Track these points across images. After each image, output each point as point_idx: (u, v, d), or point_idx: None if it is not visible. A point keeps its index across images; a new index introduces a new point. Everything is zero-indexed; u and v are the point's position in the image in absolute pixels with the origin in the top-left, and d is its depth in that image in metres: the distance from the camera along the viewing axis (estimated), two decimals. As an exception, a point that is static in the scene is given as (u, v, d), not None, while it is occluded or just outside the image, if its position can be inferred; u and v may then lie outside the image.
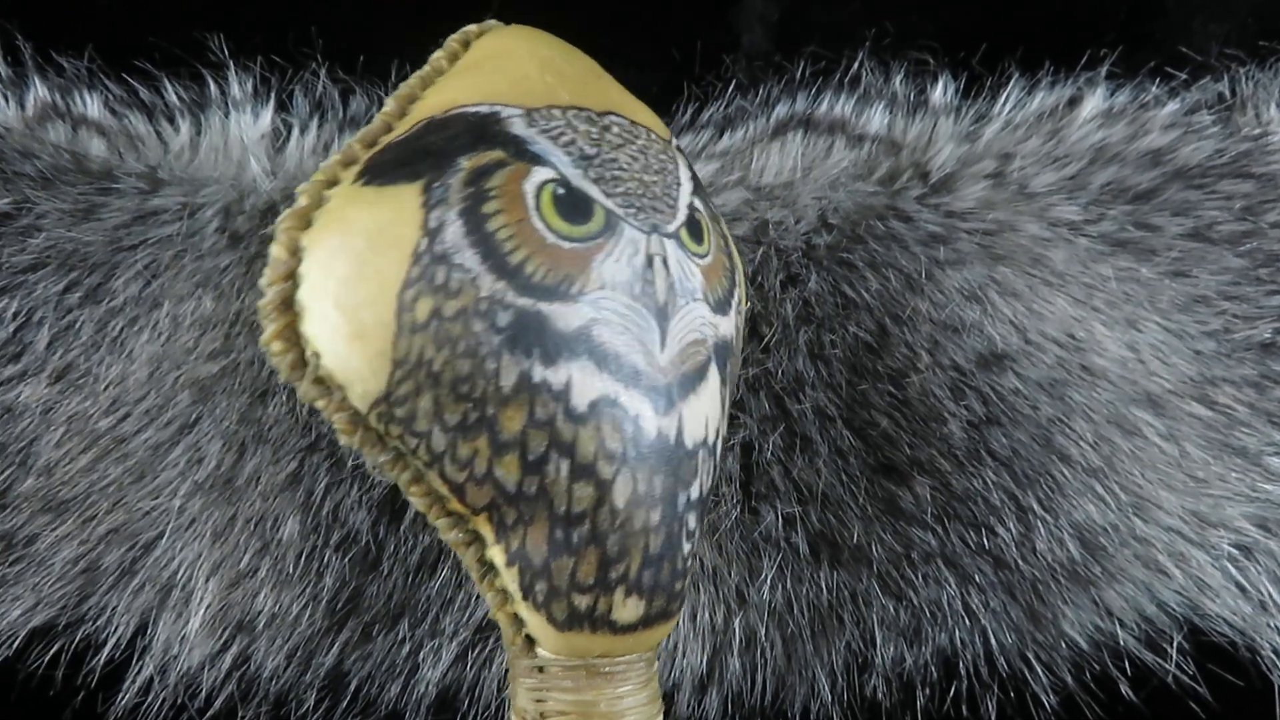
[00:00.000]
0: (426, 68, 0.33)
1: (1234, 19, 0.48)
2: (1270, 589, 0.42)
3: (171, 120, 0.44)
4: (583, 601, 0.30)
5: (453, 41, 0.34)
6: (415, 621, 0.41)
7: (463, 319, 0.28)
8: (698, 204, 0.33)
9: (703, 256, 0.32)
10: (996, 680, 0.42)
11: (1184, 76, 0.45)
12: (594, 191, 0.31)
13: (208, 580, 0.41)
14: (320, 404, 0.29)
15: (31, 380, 0.41)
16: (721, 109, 0.45)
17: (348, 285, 0.28)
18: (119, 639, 0.42)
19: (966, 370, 0.41)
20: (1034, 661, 0.42)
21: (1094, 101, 0.45)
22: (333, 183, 0.30)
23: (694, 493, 0.31)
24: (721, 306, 0.33)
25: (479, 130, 0.30)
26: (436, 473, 0.29)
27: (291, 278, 0.28)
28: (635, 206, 0.31)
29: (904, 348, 0.41)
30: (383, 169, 0.30)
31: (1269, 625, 0.43)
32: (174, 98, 0.44)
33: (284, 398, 0.40)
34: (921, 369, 0.41)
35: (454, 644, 0.41)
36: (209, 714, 0.42)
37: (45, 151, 0.42)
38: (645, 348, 0.30)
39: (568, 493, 0.29)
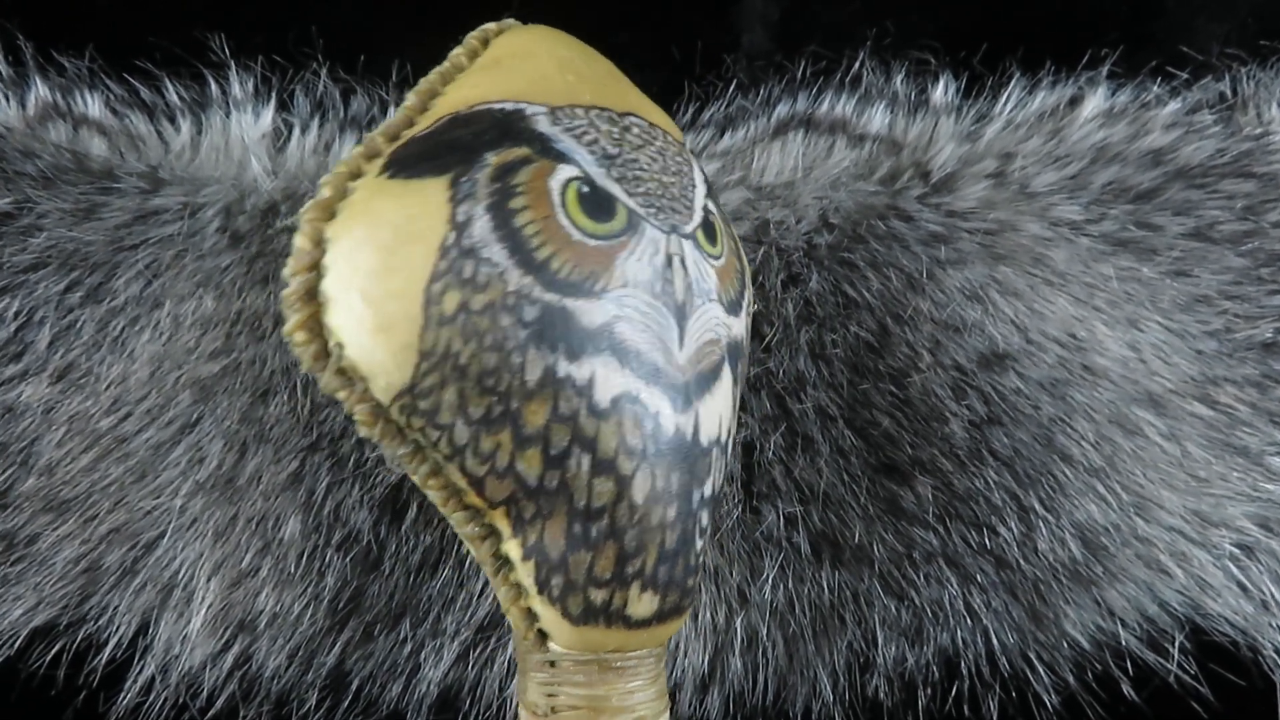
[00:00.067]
0: (446, 64, 0.33)
1: (1235, 18, 0.48)
2: (1272, 588, 0.42)
3: (172, 120, 0.44)
4: (599, 596, 0.30)
5: (472, 39, 0.34)
6: (417, 621, 0.41)
7: (490, 313, 0.28)
8: (711, 206, 0.34)
9: (717, 258, 0.33)
10: (998, 680, 0.42)
11: (1185, 76, 0.45)
12: (616, 190, 0.31)
13: (209, 580, 0.41)
14: (342, 395, 0.29)
15: (33, 380, 0.41)
16: (722, 108, 0.45)
17: (375, 277, 0.28)
18: (120, 638, 0.42)
19: (968, 370, 0.41)
20: (1036, 661, 0.42)
21: (1095, 101, 0.45)
22: (356, 175, 0.30)
23: (707, 490, 0.32)
24: (734, 307, 0.33)
25: (504, 126, 0.30)
26: (457, 466, 0.29)
27: (315, 268, 0.28)
28: (655, 206, 0.31)
29: (905, 347, 0.41)
30: (408, 162, 0.30)
31: (1270, 625, 0.43)
32: (175, 97, 0.44)
33: (285, 397, 0.40)
34: (923, 368, 0.41)
35: (455, 644, 0.41)
36: (210, 714, 0.42)
37: (46, 151, 0.42)
38: (665, 346, 0.30)
39: (588, 487, 0.30)
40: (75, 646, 0.42)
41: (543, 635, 0.31)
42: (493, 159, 0.30)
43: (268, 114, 0.43)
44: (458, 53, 0.33)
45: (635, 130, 0.33)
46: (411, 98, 0.32)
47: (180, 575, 0.41)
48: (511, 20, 0.35)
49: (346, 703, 0.42)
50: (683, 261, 0.31)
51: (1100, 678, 0.43)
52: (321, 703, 0.42)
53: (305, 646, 0.41)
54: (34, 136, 0.42)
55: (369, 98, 0.45)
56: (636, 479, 0.30)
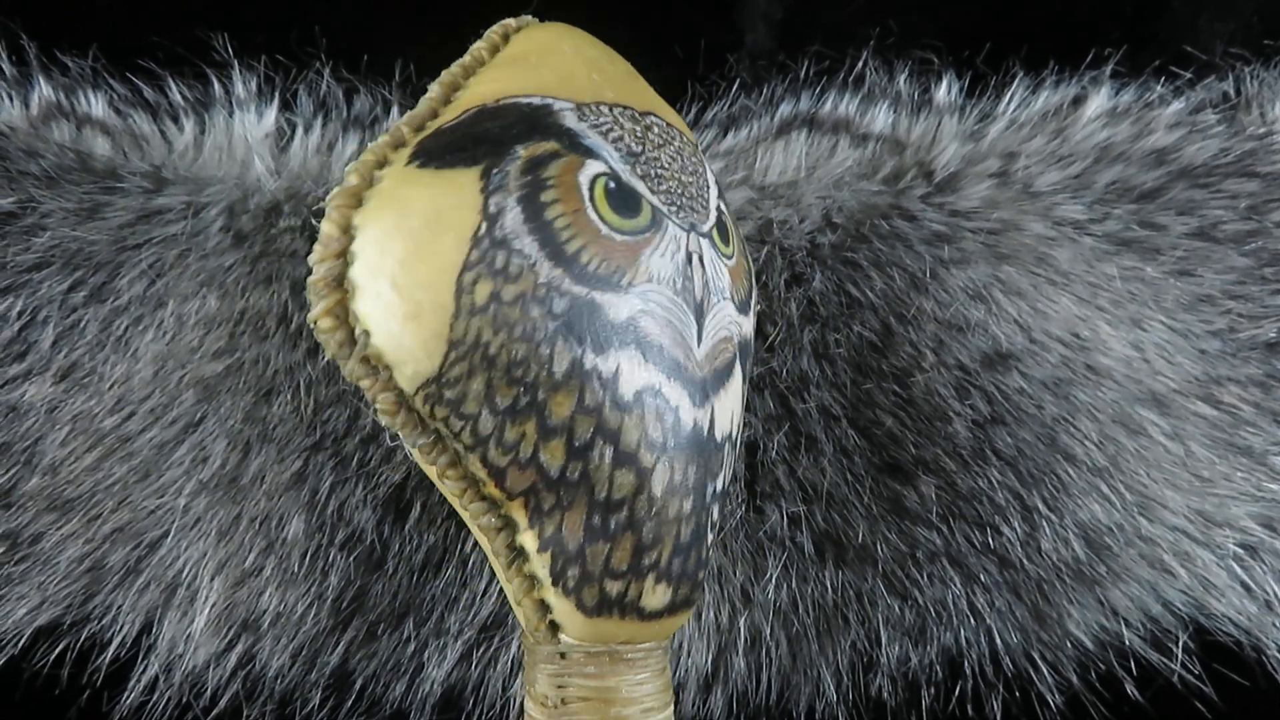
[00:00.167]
0: (467, 57, 0.33)
1: (1239, 18, 0.48)
2: (1275, 588, 0.42)
3: (175, 119, 0.44)
4: (614, 588, 0.30)
5: (493, 33, 0.34)
6: (420, 620, 0.41)
7: (521, 304, 0.29)
8: (723, 206, 0.34)
9: (729, 258, 0.33)
10: (1002, 680, 0.42)
11: (1189, 75, 0.45)
12: (641, 188, 0.31)
13: (213, 579, 0.41)
14: (365, 383, 0.29)
15: (36, 379, 0.41)
16: (726, 108, 0.45)
17: (405, 265, 0.28)
18: (124, 638, 0.42)
19: (971, 369, 0.41)
20: (1039, 661, 0.42)
21: (1099, 100, 0.45)
22: (383, 163, 0.30)
23: (719, 485, 0.32)
24: (744, 306, 0.34)
25: (533, 121, 0.31)
26: (478, 456, 0.29)
27: (342, 255, 0.29)
28: (676, 205, 0.32)
29: (909, 347, 0.41)
30: (438, 153, 0.30)
31: (1274, 625, 0.43)
32: (178, 97, 0.44)
33: (288, 396, 0.40)
34: (926, 368, 0.41)
35: (459, 643, 0.41)
36: (214, 713, 0.42)
37: (50, 151, 0.42)
38: (685, 342, 0.31)
39: (610, 479, 0.30)
40: (79, 646, 0.42)
41: (554, 627, 0.31)
42: (523, 152, 0.30)
43: (271, 113, 0.43)
44: (478, 46, 0.33)
45: (656, 130, 0.33)
46: (434, 89, 0.32)
47: (184, 574, 0.41)
48: (529, 17, 0.35)
49: (350, 702, 0.42)
50: (701, 260, 0.32)
51: (1104, 677, 0.43)
52: (325, 702, 0.42)
53: (309, 646, 0.41)
54: (37, 136, 0.42)
55: (372, 97, 0.45)
56: (656, 472, 0.30)
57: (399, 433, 0.30)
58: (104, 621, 0.42)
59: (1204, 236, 0.43)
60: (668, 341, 0.30)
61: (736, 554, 0.41)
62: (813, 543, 0.41)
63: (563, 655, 0.31)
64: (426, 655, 0.42)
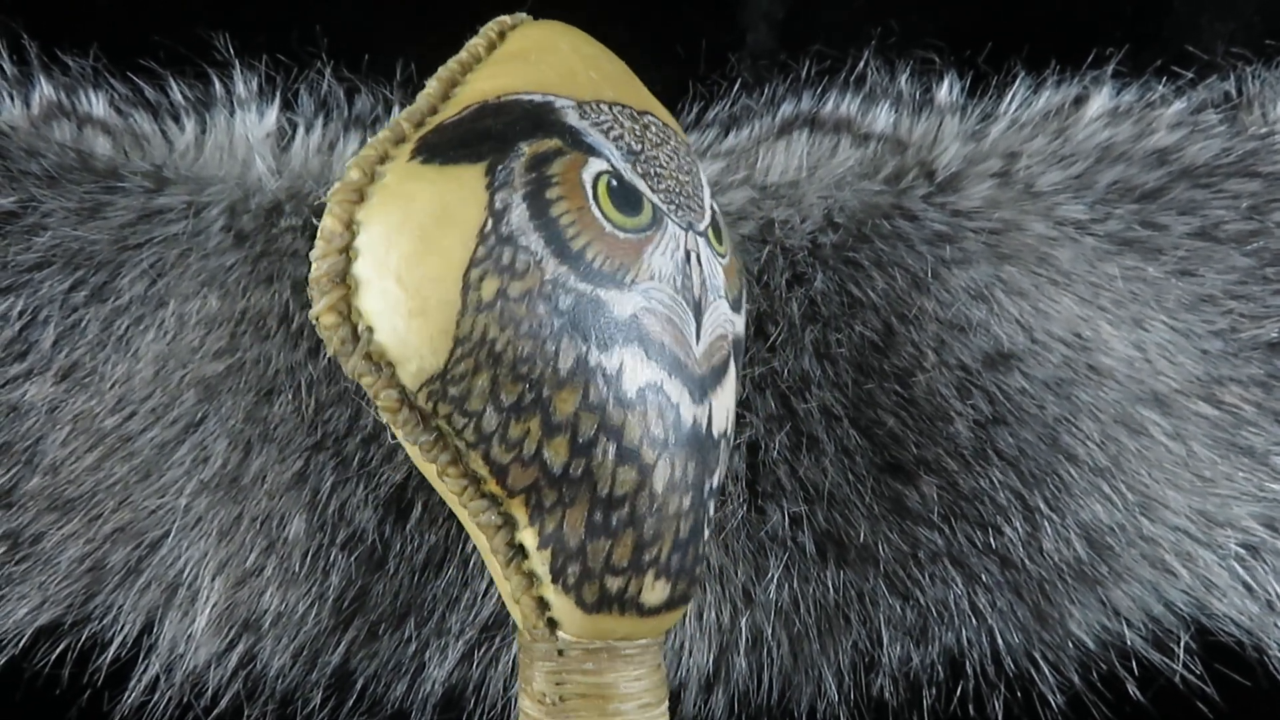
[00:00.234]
0: (464, 53, 0.33)
1: (1240, 18, 0.48)
2: (1277, 588, 0.42)
3: (176, 119, 0.44)
4: (615, 584, 0.31)
5: (489, 30, 0.34)
6: (421, 620, 0.41)
7: (527, 300, 0.29)
8: (716, 206, 0.35)
9: (723, 256, 0.34)
10: (1003, 680, 0.42)
11: (1190, 75, 0.45)
12: (641, 186, 0.31)
13: (214, 579, 0.41)
14: (366, 380, 0.29)
15: (37, 379, 0.41)
16: (727, 107, 0.45)
17: (410, 261, 0.28)
18: (125, 637, 0.42)
19: (973, 369, 0.41)
20: (1041, 661, 0.42)
21: (1100, 100, 0.45)
22: (384, 159, 0.30)
23: (715, 481, 0.33)
24: (737, 305, 0.34)
25: (535, 118, 0.31)
26: (480, 454, 0.29)
27: (345, 251, 0.28)
28: (675, 204, 0.32)
29: (910, 347, 0.41)
30: (441, 148, 0.30)
31: (1276, 625, 0.43)
32: (179, 96, 0.44)
33: (289, 396, 0.40)
34: (928, 368, 0.41)
35: (460, 643, 0.41)
36: (215, 713, 0.42)
37: (51, 150, 0.42)
38: (685, 339, 0.31)
39: (612, 476, 0.30)
40: (80, 645, 0.42)
41: (553, 624, 0.31)
42: (527, 149, 0.30)
43: (272, 113, 0.43)
44: (475, 43, 0.33)
45: (653, 129, 0.33)
46: (433, 84, 0.32)
47: (185, 574, 0.41)
48: (524, 14, 0.35)
49: (351, 702, 0.42)
50: (698, 258, 0.32)
51: (1105, 678, 0.43)
52: (326, 702, 0.42)
53: (310, 646, 0.41)
54: (39, 135, 0.42)
55: (373, 97, 0.45)
56: (658, 468, 0.30)
57: (399, 430, 0.29)
58: (105, 621, 0.42)
59: (1206, 236, 0.43)
60: (669, 339, 0.31)
61: (738, 554, 0.41)
62: (814, 543, 0.41)
63: (560, 652, 0.31)
64: (428, 655, 0.41)
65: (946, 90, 0.45)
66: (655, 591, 0.31)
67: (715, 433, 0.32)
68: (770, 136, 0.44)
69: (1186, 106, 0.45)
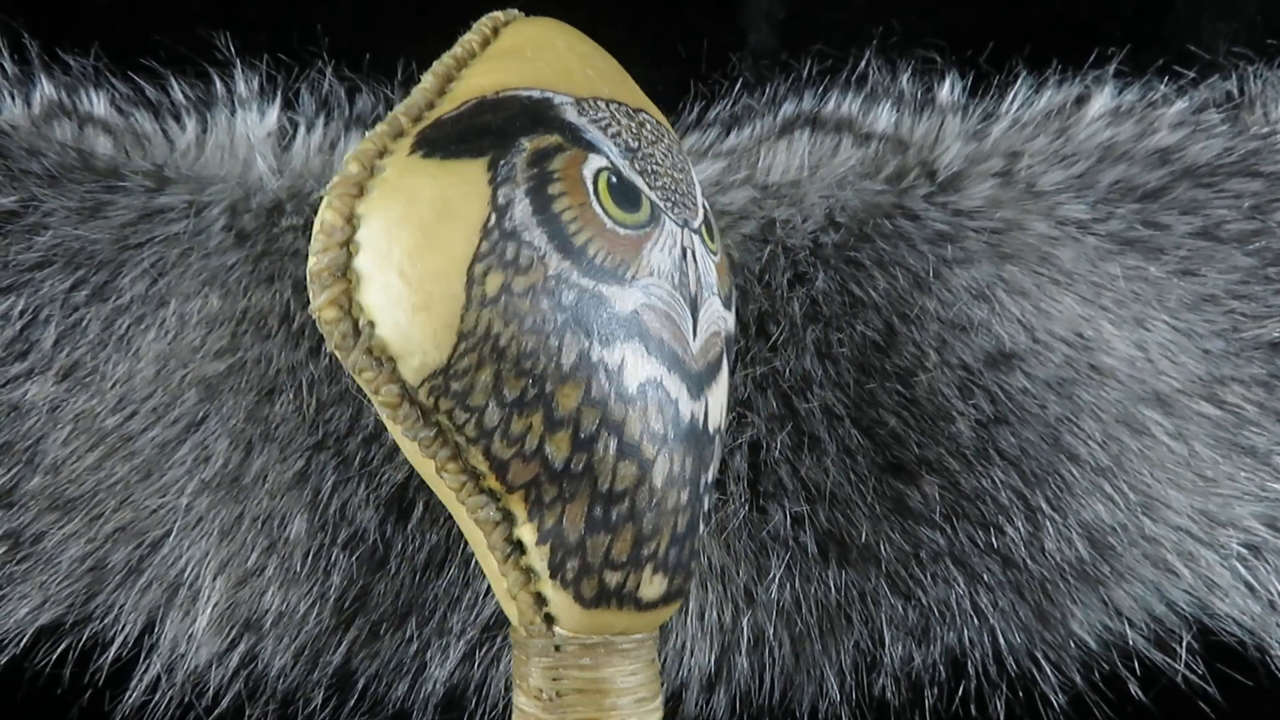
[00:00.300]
0: (458, 49, 0.33)
1: (1242, 17, 0.48)
2: (1279, 588, 0.42)
3: (177, 118, 0.44)
4: (613, 579, 0.31)
5: (482, 26, 0.34)
6: (423, 620, 0.41)
7: (531, 295, 0.29)
8: (706, 204, 0.35)
9: (714, 254, 0.34)
10: (1005, 680, 0.42)
11: (1192, 75, 0.45)
12: (639, 183, 0.31)
13: (215, 578, 0.40)
14: (367, 375, 0.28)
15: (38, 378, 0.40)
16: (728, 107, 0.45)
17: (414, 256, 0.28)
18: (126, 637, 0.42)
19: (974, 369, 0.41)
20: (1043, 661, 0.42)
21: (1102, 100, 0.45)
22: (383, 152, 0.29)
23: (710, 476, 0.33)
24: (728, 302, 0.34)
25: (535, 114, 0.31)
26: (481, 449, 0.29)
27: (346, 245, 0.28)
28: (671, 201, 0.32)
29: (912, 346, 0.41)
30: (441, 143, 0.30)
31: (1278, 625, 0.42)
32: (180, 96, 0.44)
33: (290, 396, 0.40)
34: (929, 368, 0.41)
35: (461, 643, 0.41)
36: (216, 712, 0.42)
37: (52, 149, 0.42)
38: (683, 336, 0.31)
39: (613, 471, 0.30)
40: (81, 645, 0.42)
41: (550, 619, 0.31)
42: (528, 144, 0.30)
43: (273, 112, 0.43)
44: (469, 38, 0.33)
45: (648, 126, 0.33)
46: (429, 79, 0.32)
47: (186, 574, 0.41)
48: (516, 11, 0.35)
49: (352, 702, 0.42)
50: (694, 255, 0.32)
51: (1107, 677, 0.43)
52: (327, 702, 0.42)
53: (311, 645, 0.41)
54: (39, 135, 0.42)
55: (374, 96, 0.45)
56: (658, 463, 0.30)
57: (399, 426, 0.29)
58: (106, 621, 0.42)
59: (1207, 236, 0.43)
60: (668, 335, 0.31)
61: (739, 554, 0.41)
62: (816, 542, 0.41)
63: (557, 648, 0.31)
64: (429, 655, 0.41)
65: (948, 90, 0.45)
66: (653, 586, 0.31)
67: (710, 428, 0.32)
68: (772, 136, 0.44)
69: (1188, 106, 0.45)
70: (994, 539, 0.41)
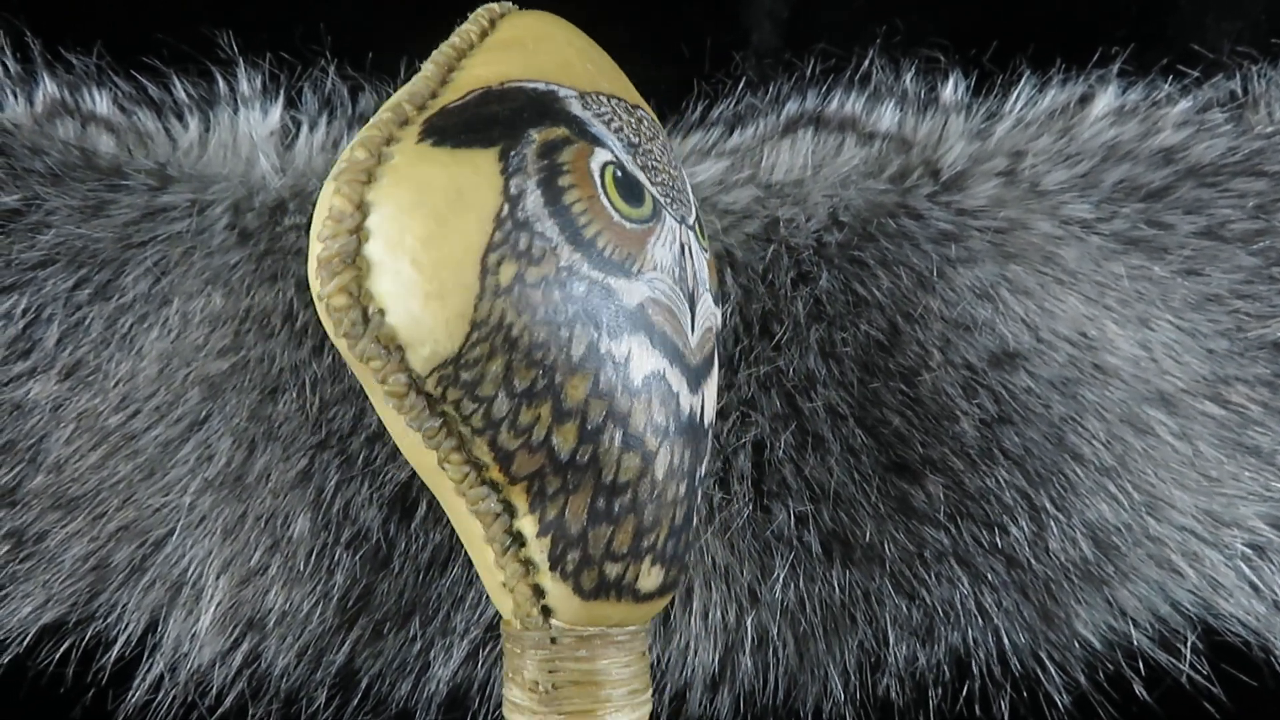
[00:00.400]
0: (456, 39, 0.33)
1: (1246, 17, 0.48)
2: (1283, 588, 0.42)
3: (180, 117, 0.44)
4: (613, 570, 0.31)
5: (480, 18, 0.34)
6: (426, 619, 0.41)
7: (543, 286, 0.29)
8: (696, 203, 0.35)
9: (705, 251, 0.34)
10: (1009, 680, 0.42)
11: (1196, 74, 0.45)
12: (642, 178, 0.31)
13: (218, 578, 0.40)
14: (375, 364, 0.28)
15: (41, 377, 0.40)
16: (731, 106, 0.45)
17: (427, 244, 0.28)
18: (129, 636, 0.41)
19: (978, 368, 0.41)
20: (1047, 661, 0.42)
21: (1106, 99, 0.45)
22: (389, 140, 0.29)
23: (704, 469, 0.33)
24: (718, 299, 0.35)
25: (541, 106, 0.31)
26: (486, 440, 0.29)
27: (356, 232, 0.28)
28: (669, 197, 0.32)
29: (916, 346, 0.41)
30: (450, 132, 0.29)
31: (1282, 625, 0.43)
32: (183, 94, 0.44)
33: (294, 395, 0.40)
34: (933, 367, 0.41)
35: (465, 642, 0.41)
36: (219, 712, 0.42)
37: (54, 148, 0.42)
38: (683, 330, 0.31)
39: (617, 462, 0.30)
40: (84, 644, 0.42)
41: (547, 611, 0.31)
42: (536, 136, 0.30)
43: (276, 111, 0.43)
44: (467, 29, 0.33)
45: (646, 123, 0.33)
46: (430, 68, 0.31)
47: (189, 573, 0.41)
48: (510, 4, 0.35)
49: (356, 701, 0.42)
50: (690, 251, 0.32)
51: (1112, 678, 0.42)
52: (331, 701, 0.42)
53: (314, 645, 0.41)
54: (42, 133, 0.42)
55: (377, 95, 0.45)
56: (660, 455, 0.31)
57: (404, 416, 0.29)
58: (109, 620, 0.41)
59: (1212, 236, 0.43)
60: (670, 329, 0.31)
61: (744, 553, 0.41)
62: (820, 542, 0.41)
63: (553, 640, 0.31)
64: (432, 654, 0.41)
65: (951, 89, 0.45)
66: (651, 578, 0.31)
67: (705, 422, 0.33)
68: (775, 135, 0.44)
69: (1192, 105, 0.45)
70: (998, 539, 0.41)
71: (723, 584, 0.41)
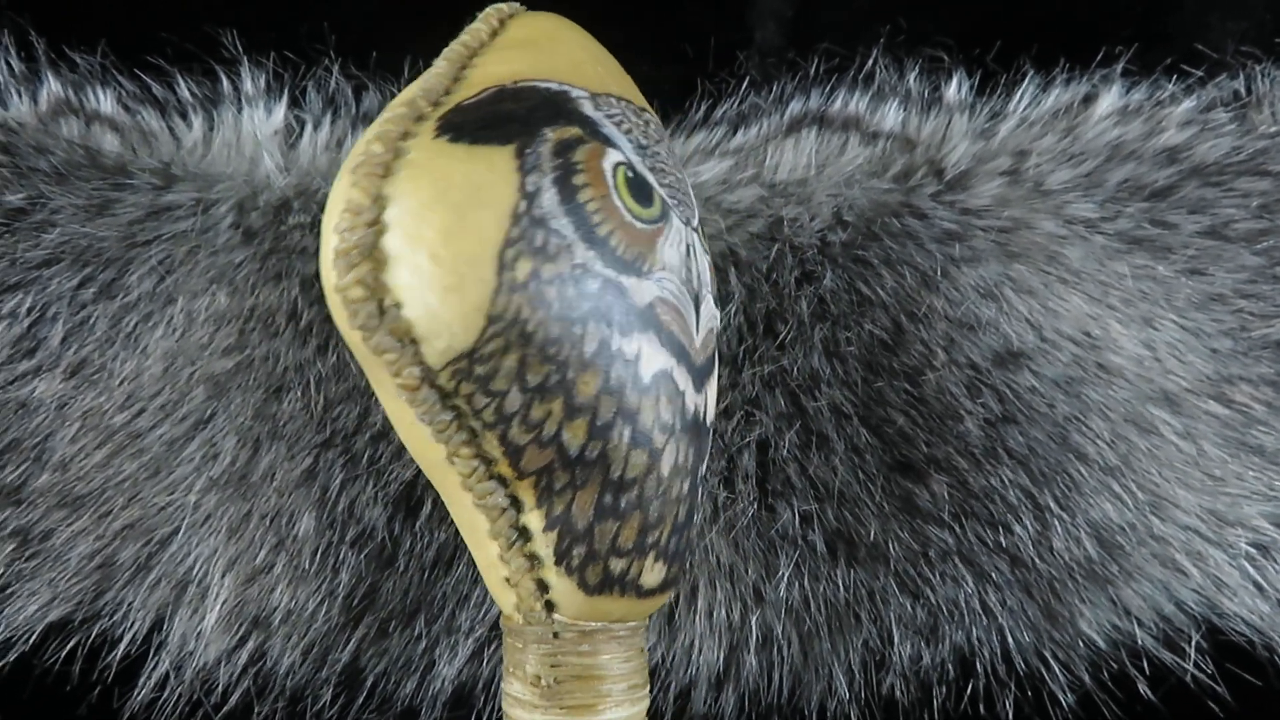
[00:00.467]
0: (468, 37, 0.33)
1: (1251, 16, 0.48)
2: (1287, 588, 0.42)
3: (184, 116, 0.44)
4: (618, 566, 0.31)
5: (490, 17, 0.34)
6: (431, 618, 0.41)
7: (558, 283, 0.29)
8: (698, 205, 0.35)
9: (706, 253, 0.34)
10: (1014, 679, 0.42)
11: (1200, 74, 0.45)
12: (651, 179, 0.32)
13: (223, 576, 0.40)
14: (389, 357, 0.28)
15: (46, 376, 0.40)
16: (735, 105, 0.45)
17: (446, 238, 0.28)
18: (135, 634, 0.42)
19: (982, 368, 0.41)
20: (1051, 660, 0.42)
21: (1110, 98, 0.45)
22: (405, 134, 0.29)
23: (704, 468, 0.33)
24: (717, 301, 0.35)
25: (554, 105, 0.31)
26: (498, 434, 0.29)
27: (374, 225, 0.27)
28: (676, 199, 0.33)
29: (920, 345, 0.41)
30: (466, 128, 0.29)
31: (1287, 624, 0.43)
32: (187, 93, 0.44)
33: (298, 393, 0.40)
34: (937, 366, 0.41)
35: (470, 640, 0.41)
36: (224, 710, 0.42)
37: (59, 147, 0.42)
38: (689, 330, 0.32)
39: (625, 459, 0.30)
40: (90, 642, 0.42)
41: (550, 606, 0.31)
42: (551, 134, 0.30)
43: (280, 110, 0.43)
44: (477, 28, 0.33)
45: (653, 125, 0.34)
46: (442, 64, 0.31)
47: (195, 571, 0.41)
48: (518, 4, 0.35)
49: (361, 699, 0.42)
50: (694, 252, 0.33)
51: (1116, 677, 0.42)
52: (336, 699, 0.42)
53: (319, 643, 0.41)
54: (46, 132, 0.42)
55: (381, 94, 0.45)
56: (666, 452, 0.31)
57: (415, 410, 0.29)
58: (115, 618, 0.42)
59: (1215, 235, 0.43)
60: (677, 328, 0.31)
61: (748, 552, 0.41)
62: (824, 541, 0.41)
63: (556, 635, 0.31)
64: (438, 653, 0.41)
65: (955, 88, 0.45)
66: (653, 573, 0.32)
67: (707, 422, 0.33)
68: (779, 134, 0.44)
69: (1196, 105, 0.45)
70: (1002, 538, 0.41)
71: (727, 583, 0.41)
